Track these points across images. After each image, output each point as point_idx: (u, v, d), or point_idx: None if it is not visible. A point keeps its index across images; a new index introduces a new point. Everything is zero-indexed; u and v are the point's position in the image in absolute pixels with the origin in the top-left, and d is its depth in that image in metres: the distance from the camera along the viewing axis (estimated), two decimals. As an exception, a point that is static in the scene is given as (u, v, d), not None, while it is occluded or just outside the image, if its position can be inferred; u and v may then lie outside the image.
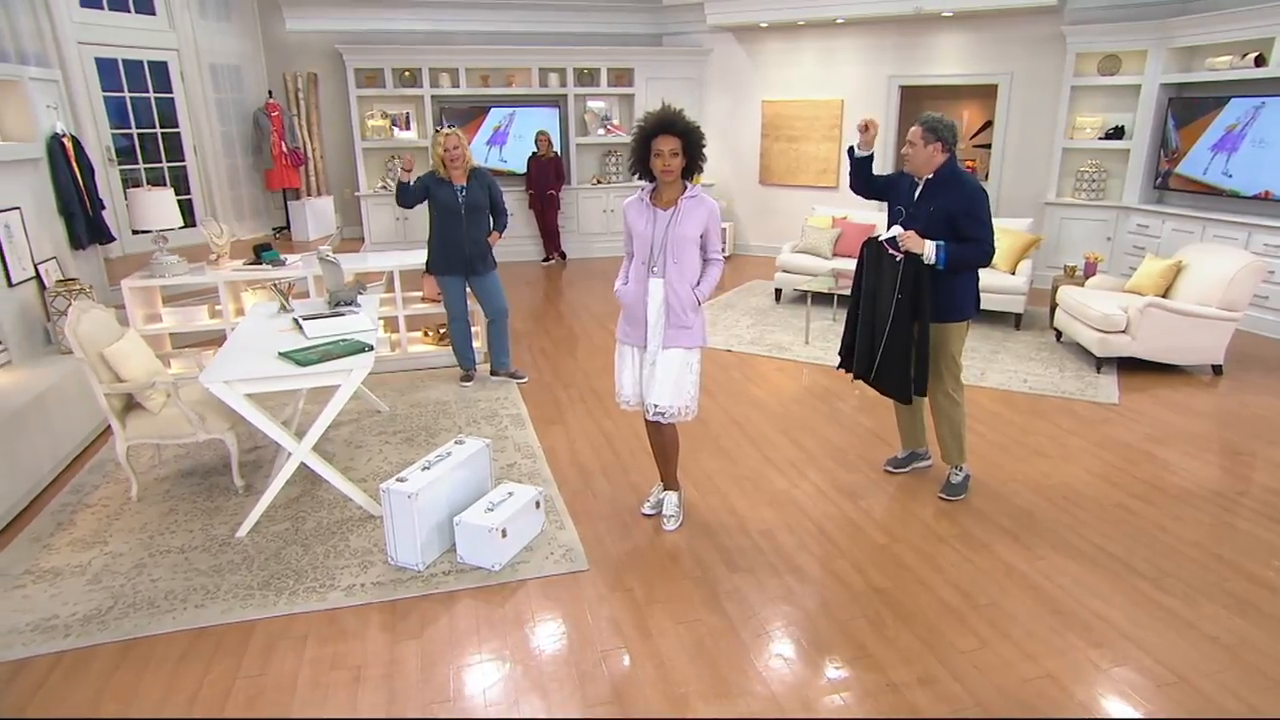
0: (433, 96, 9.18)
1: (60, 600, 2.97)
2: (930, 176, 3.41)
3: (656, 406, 3.27)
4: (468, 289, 5.13)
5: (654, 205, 3.21)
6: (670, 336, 3.24)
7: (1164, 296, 5.45)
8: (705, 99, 9.81)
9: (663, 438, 3.43)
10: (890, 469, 3.99)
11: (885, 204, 3.70)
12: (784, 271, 7.37)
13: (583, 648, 2.73)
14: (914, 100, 8.51)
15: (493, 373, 5.40)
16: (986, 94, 8.43)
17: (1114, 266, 7.30)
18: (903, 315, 3.42)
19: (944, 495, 3.72)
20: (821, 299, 6.83)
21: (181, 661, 2.65)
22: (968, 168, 9.90)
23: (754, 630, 2.80)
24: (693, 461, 4.13)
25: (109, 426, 3.64)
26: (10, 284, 4.42)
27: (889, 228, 3.52)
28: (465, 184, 4.86)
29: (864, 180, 3.67)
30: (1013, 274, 6.41)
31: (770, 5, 8.50)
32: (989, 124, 8.38)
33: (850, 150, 3.66)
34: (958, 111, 9.85)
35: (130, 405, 3.66)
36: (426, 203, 4.94)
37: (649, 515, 3.57)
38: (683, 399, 3.29)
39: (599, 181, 9.89)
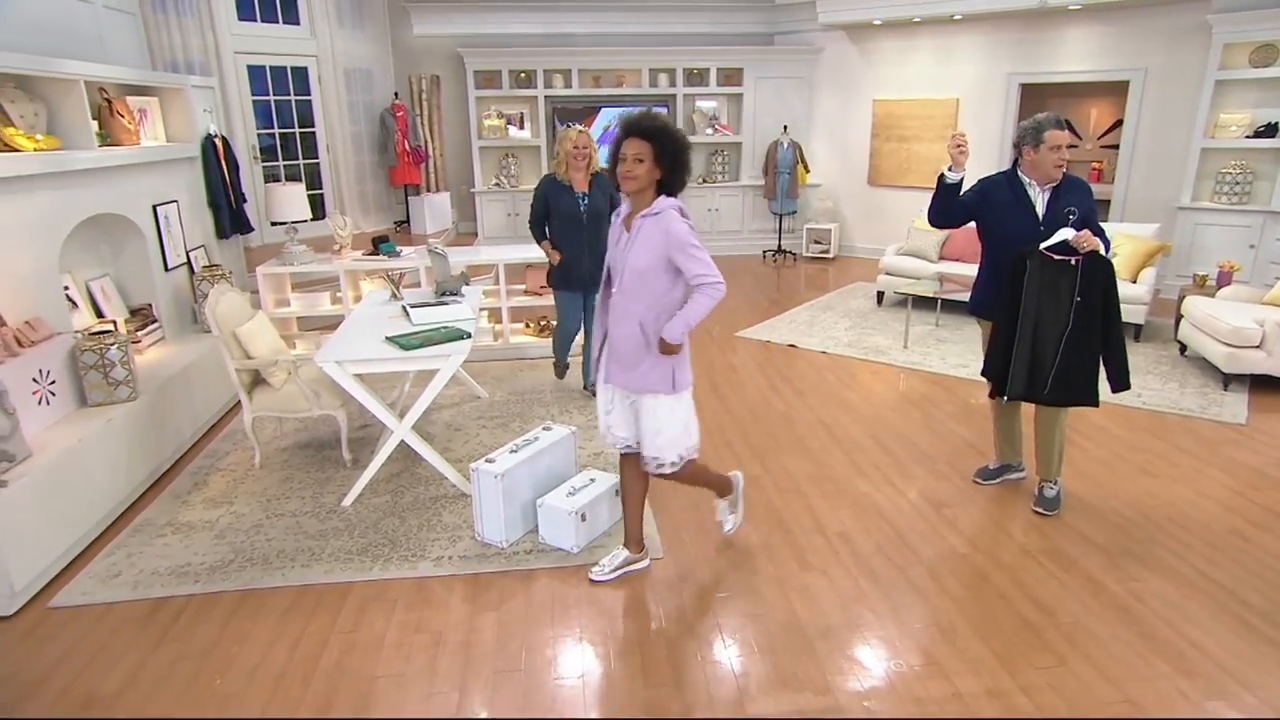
0: (546, 97, 9.50)
1: (192, 550, 3.34)
2: (1058, 180, 3.33)
3: (649, 454, 2.91)
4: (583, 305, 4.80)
5: (624, 224, 2.82)
6: (613, 372, 2.86)
7: (1309, 310, 5.00)
8: (815, 98, 9.70)
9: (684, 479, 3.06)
10: (980, 480, 3.87)
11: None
12: (887, 274, 7.21)
13: (649, 631, 2.82)
14: (1035, 99, 8.10)
15: (585, 388, 5.10)
16: (1115, 91, 7.93)
17: (1256, 277, 6.70)
18: (1085, 318, 3.28)
19: (1040, 510, 3.57)
20: (924, 303, 6.65)
21: (287, 613, 2.93)
22: (1094, 170, 9.33)
23: (820, 629, 2.81)
24: (775, 461, 4.15)
25: (240, 400, 4.03)
26: (167, 268, 4.95)
27: (993, 239, 3.42)
28: (587, 190, 4.54)
29: (953, 207, 3.41)
30: (1134, 282, 6.02)
31: (885, 2, 8.30)
32: (1118, 123, 7.87)
33: (941, 178, 3.35)
34: (1085, 110, 9.30)
35: (257, 381, 4.04)
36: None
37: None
38: (666, 447, 2.87)
39: (704, 180, 9.95)
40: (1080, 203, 3.32)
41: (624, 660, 2.67)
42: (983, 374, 3.65)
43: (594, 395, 4.59)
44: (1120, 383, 3.41)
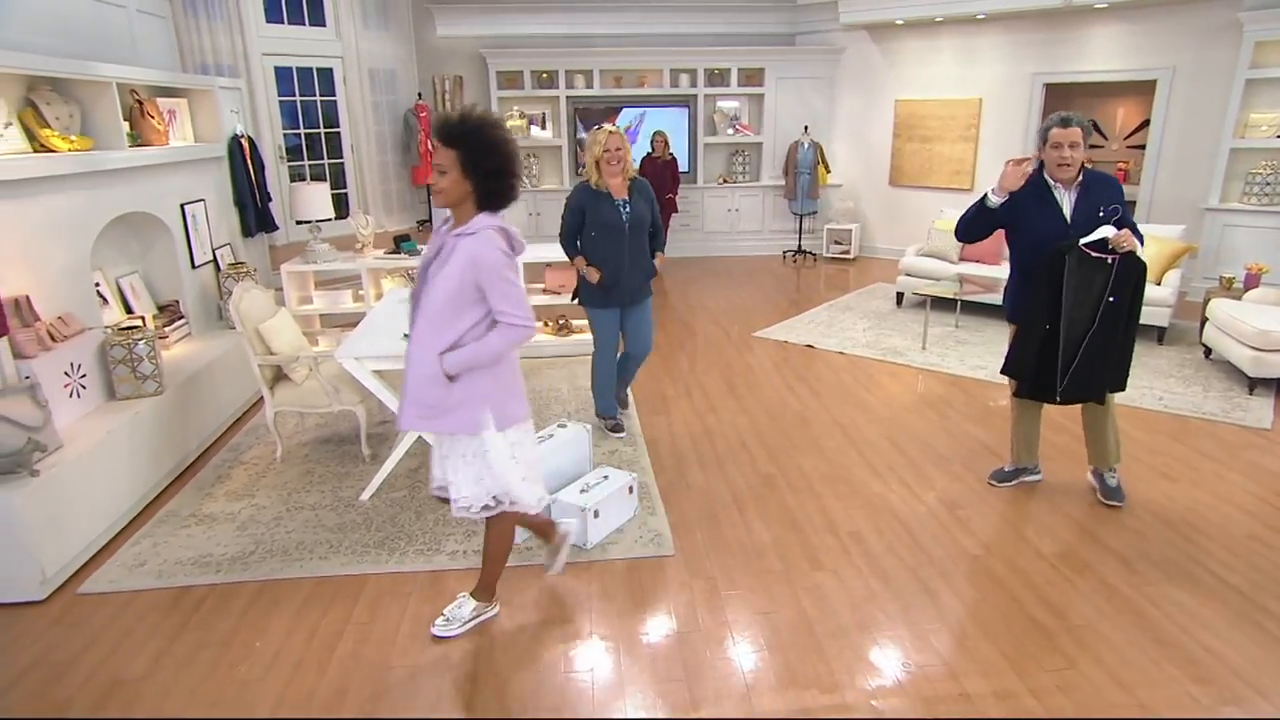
0: (568, 97, 9.55)
1: (215, 541, 3.42)
2: (1080, 179, 3.31)
3: (453, 496, 2.59)
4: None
5: (445, 237, 2.49)
6: (408, 415, 2.50)
7: (1338, 314, 4.91)
8: (836, 98, 9.67)
9: (487, 530, 2.75)
10: (994, 482, 3.86)
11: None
12: (907, 275, 7.17)
13: (660, 627, 2.85)
14: (1061, 99, 8.00)
15: (601, 414, 4.55)
16: (1142, 90, 7.82)
17: (1286, 280, 6.58)
18: (1112, 317, 3.28)
19: (1112, 501, 3.60)
20: (944, 304, 6.61)
21: (305, 604, 2.99)
22: (1120, 170, 9.21)
23: (830, 628, 2.83)
24: (789, 460, 4.16)
25: (262, 395, 4.11)
26: (194, 266, 5.06)
27: (1022, 242, 3.40)
28: (627, 197, 4.09)
29: (988, 227, 3.43)
30: (1158, 284, 5.93)
31: (907, 2, 8.25)
32: (1145, 123, 7.76)
33: (984, 199, 3.35)
34: (1111, 110, 9.17)
35: (279, 376, 4.12)
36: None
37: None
38: (484, 489, 2.55)
39: (725, 180, 9.95)
40: (1112, 200, 3.30)
41: (633, 655, 2.71)
42: (1003, 372, 3.62)
43: (611, 430, 4.44)
44: (1118, 384, 3.42)
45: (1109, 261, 3.22)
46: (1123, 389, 3.44)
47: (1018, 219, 3.38)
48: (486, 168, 2.35)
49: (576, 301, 4.36)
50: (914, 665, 2.63)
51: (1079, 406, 3.60)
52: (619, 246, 4.08)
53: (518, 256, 2.50)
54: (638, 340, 4.40)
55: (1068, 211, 3.31)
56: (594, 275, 4.12)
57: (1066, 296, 3.28)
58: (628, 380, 4.68)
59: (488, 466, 2.52)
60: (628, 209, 4.09)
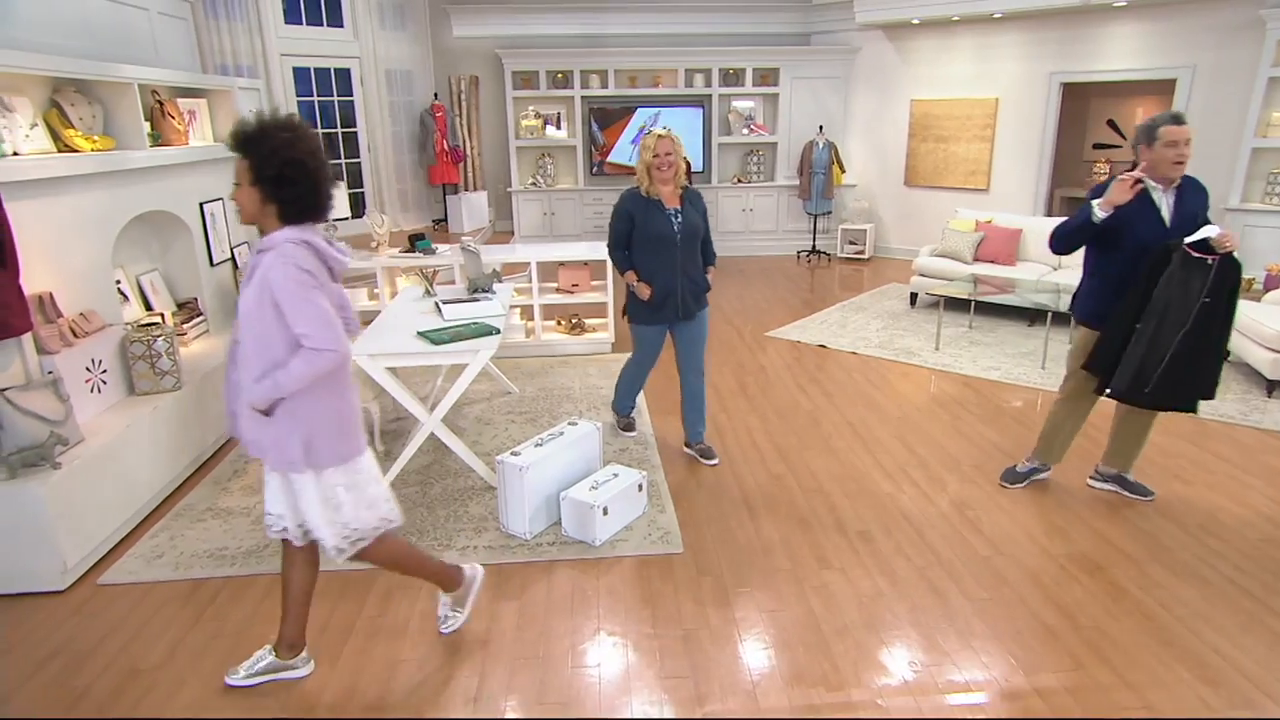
0: (583, 97, 9.59)
1: (230, 535, 3.48)
2: (1177, 180, 3.27)
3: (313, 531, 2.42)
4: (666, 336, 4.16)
5: None
6: (254, 443, 2.32)
7: (1359, 316, 4.84)
8: (851, 98, 9.64)
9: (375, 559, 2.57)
10: (1006, 484, 3.84)
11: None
12: (921, 275, 7.15)
13: (667, 624, 2.87)
14: (1078, 98, 7.96)
15: (687, 445, 4.25)
16: (1161, 90, 7.74)
17: (1307, 281, 6.50)
18: (1207, 319, 3.24)
19: (1146, 495, 3.68)
20: (957, 305, 6.58)
21: (317, 598, 2.97)
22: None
23: (836, 626, 2.83)
24: (799, 460, 4.17)
25: (279, 391, 4.16)
26: (212, 264, 5.14)
27: (1118, 247, 3.33)
28: (679, 206, 3.90)
29: (1086, 238, 3.39)
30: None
31: (923, 1, 8.22)
32: (1165, 122, 7.68)
33: (1089, 214, 3.26)
34: (1129, 110, 9.08)
35: (295, 373, 4.18)
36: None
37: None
38: (320, 525, 2.37)
39: (739, 180, 9.95)
40: (1205, 203, 3.30)
41: (640, 652, 2.73)
42: (1084, 367, 3.54)
43: (623, 429, 4.41)
44: (1209, 392, 3.35)
45: (1209, 262, 3.19)
46: (1212, 397, 3.37)
47: (1119, 226, 3.29)
48: (270, 175, 2.13)
49: (625, 317, 4.14)
50: (920, 665, 2.64)
51: (1113, 407, 3.61)
52: (670, 259, 3.86)
53: (338, 269, 2.32)
54: (691, 357, 4.10)
55: (1166, 215, 3.27)
56: (645, 291, 3.91)
57: (1160, 296, 3.23)
58: (702, 410, 4.20)
59: (314, 500, 2.34)
60: (679, 219, 3.87)
